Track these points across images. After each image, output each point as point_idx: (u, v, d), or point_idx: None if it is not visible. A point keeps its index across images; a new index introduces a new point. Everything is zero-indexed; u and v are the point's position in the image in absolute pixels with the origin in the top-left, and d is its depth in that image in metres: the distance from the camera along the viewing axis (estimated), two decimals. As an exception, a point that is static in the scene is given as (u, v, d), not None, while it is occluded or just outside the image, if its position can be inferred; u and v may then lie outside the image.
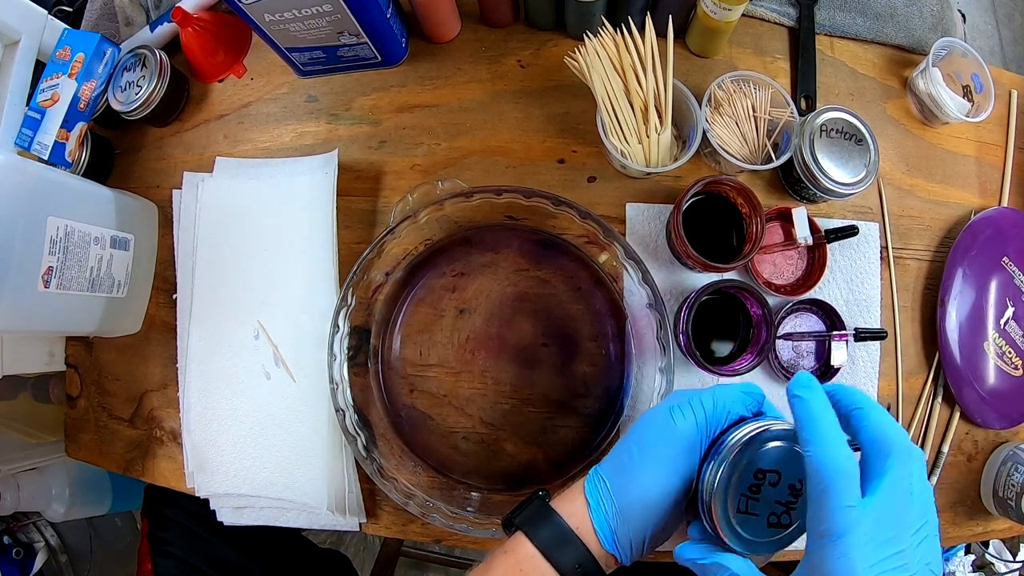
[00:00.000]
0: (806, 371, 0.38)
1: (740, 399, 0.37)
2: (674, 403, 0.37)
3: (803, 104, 0.60)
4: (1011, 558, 0.90)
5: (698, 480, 0.35)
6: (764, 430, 0.33)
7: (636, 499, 0.36)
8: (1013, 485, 0.55)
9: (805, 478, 0.31)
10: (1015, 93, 0.64)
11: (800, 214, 0.54)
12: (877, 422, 0.31)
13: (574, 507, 0.37)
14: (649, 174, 0.57)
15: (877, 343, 0.58)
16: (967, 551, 0.90)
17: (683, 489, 0.36)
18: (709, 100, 0.56)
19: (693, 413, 0.36)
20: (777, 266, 0.58)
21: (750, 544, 0.33)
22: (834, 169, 0.53)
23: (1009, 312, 0.59)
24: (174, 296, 0.62)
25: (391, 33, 0.57)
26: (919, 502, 0.30)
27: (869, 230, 0.58)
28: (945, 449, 0.58)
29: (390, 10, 0.56)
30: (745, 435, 0.34)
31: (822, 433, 0.30)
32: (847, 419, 0.32)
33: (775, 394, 0.56)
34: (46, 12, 0.62)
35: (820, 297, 0.57)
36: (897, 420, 0.57)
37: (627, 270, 0.52)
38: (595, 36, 0.52)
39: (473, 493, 0.55)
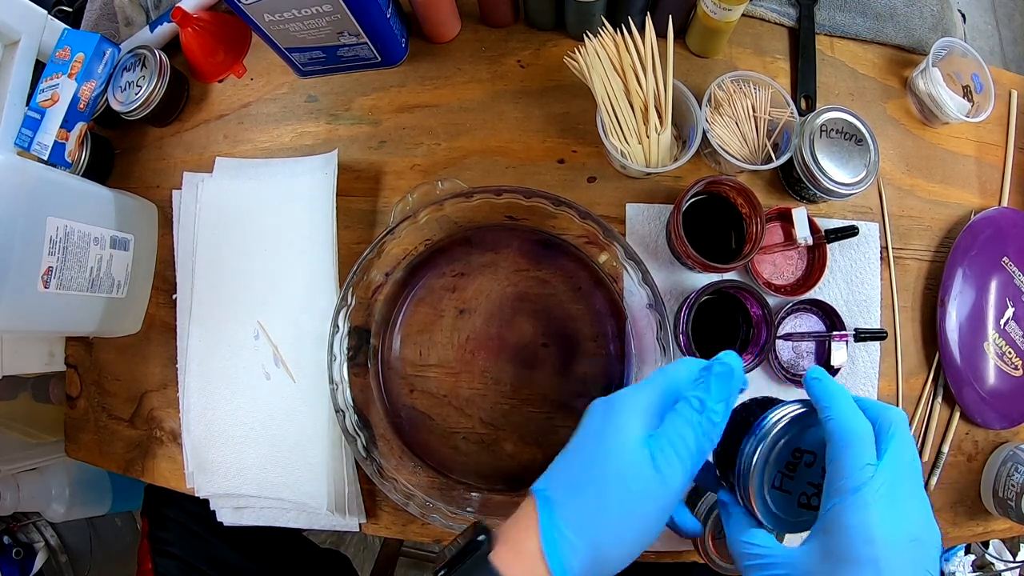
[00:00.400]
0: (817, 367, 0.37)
1: (704, 393, 0.34)
2: (655, 448, 0.32)
3: (803, 104, 0.60)
4: (1011, 558, 0.91)
5: (738, 454, 0.35)
6: (806, 412, 0.34)
7: (613, 559, 0.32)
8: (1013, 485, 0.55)
9: (826, 445, 0.32)
10: (1015, 93, 0.64)
11: (800, 214, 0.54)
12: (877, 403, 0.33)
13: (528, 568, 0.31)
14: (649, 174, 0.57)
15: (877, 343, 0.58)
16: (967, 551, 0.90)
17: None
18: (709, 100, 0.56)
19: (680, 461, 0.32)
20: (777, 266, 0.58)
21: (779, 520, 0.34)
22: (834, 169, 0.53)
23: (1009, 312, 0.59)
24: (174, 296, 0.62)
25: (391, 33, 0.57)
26: (918, 474, 0.32)
27: (869, 230, 0.58)
28: (945, 449, 0.58)
29: (390, 10, 0.56)
30: (788, 414, 0.34)
31: (839, 403, 0.32)
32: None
33: (777, 394, 0.56)
34: (46, 12, 0.62)
35: (820, 297, 0.57)
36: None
37: (627, 270, 0.52)
38: (595, 36, 0.52)
39: (473, 493, 0.55)
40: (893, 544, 0.29)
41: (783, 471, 0.34)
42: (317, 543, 0.79)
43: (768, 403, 0.37)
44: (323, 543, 1.11)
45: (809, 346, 0.58)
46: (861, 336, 0.56)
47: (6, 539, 0.84)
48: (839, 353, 0.55)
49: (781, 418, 0.34)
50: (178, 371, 0.61)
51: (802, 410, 0.34)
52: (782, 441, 0.34)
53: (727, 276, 0.56)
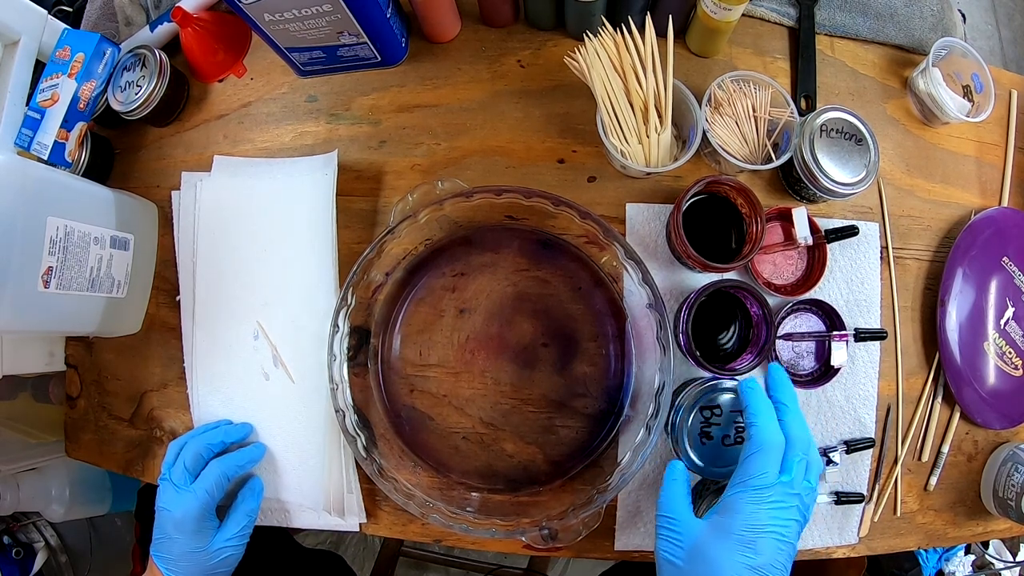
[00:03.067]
0: (753, 377, 0.46)
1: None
2: None
3: (803, 104, 0.60)
4: (1011, 558, 0.90)
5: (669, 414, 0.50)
6: (710, 387, 0.49)
7: None
8: (1013, 485, 0.55)
9: (745, 443, 0.42)
10: (1015, 93, 0.64)
11: (800, 214, 0.54)
12: (799, 425, 0.42)
13: None
14: (649, 174, 0.57)
15: (877, 343, 0.58)
16: (967, 551, 0.90)
17: None
18: (709, 100, 0.56)
19: None
20: (777, 266, 0.58)
21: (690, 448, 0.48)
22: (834, 169, 0.53)
23: (1009, 312, 0.59)
24: (177, 298, 0.62)
25: (391, 33, 0.57)
26: (801, 497, 0.39)
27: (869, 230, 0.58)
28: (945, 449, 0.58)
29: (390, 10, 0.56)
30: (699, 388, 0.49)
31: (764, 416, 0.41)
32: (775, 408, 0.43)
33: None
34: (46, 12, 0.62)
35: (820, 297, 0.57)
36: (897, 420, 0.58)
37: (627, 270, 0.52)
38: (595, 36, 0.52)
39: (473, 493, 0.55)
40: (769, 538, 0.37)
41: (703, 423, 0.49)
42: (317, 543, 0.79)
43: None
44: (324, 543, 1.11)
45: (809, 346, 0.58)
46: (861, 336, 0.56)
47: (6, 539, 0.84)
48: (839, 353, 0.55)
49: (694, 390, 0.49)
50: (186, 371, 0.61)
51: (709, 384, 0.49)
52: (696, 403, 0.49)
53: (727, 276, 0.56)
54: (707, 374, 0.53)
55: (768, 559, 0.37)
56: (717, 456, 0.48)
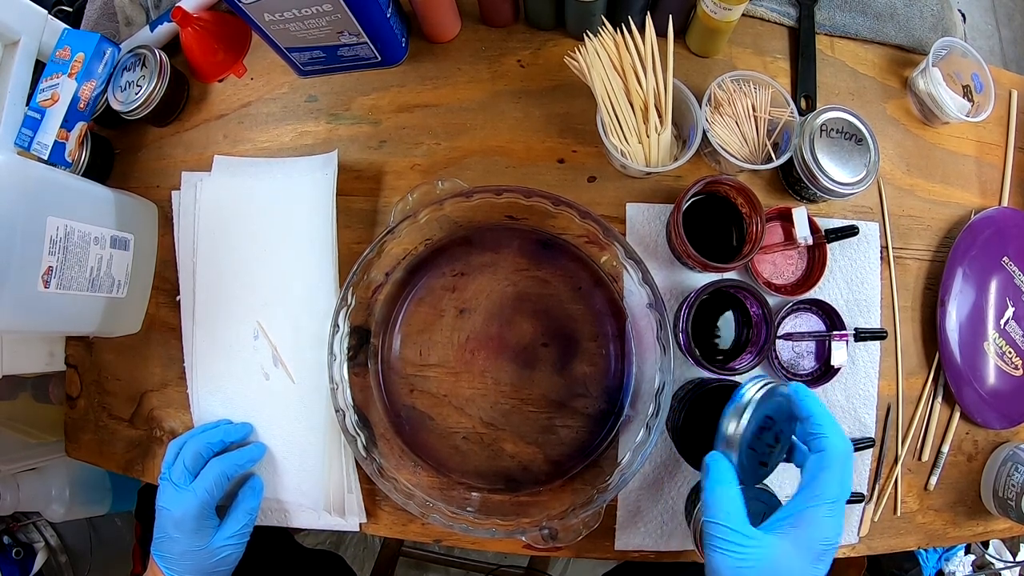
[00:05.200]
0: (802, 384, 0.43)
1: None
2: None
3: (803, 104, 0.60)
4: (1011, 558, 0.90)
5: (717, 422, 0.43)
6: (770, 388, 0.42)
7: None
8: (1013, 485, 0.55)
9: (815, 454, 0.39)
10: (1015, 93, 0.64)
11: (800, 214, 0.54)
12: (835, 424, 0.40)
13: None
14: (649, 174, 0.57)
15: (877, 343, 0.58)
16: (967, 551, 0.90)
17: None
18: (709, 100, 0.56)
19: None
20: (777, 266, 0.58)
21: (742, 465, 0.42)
22: (834, 169, 0.53)
23: (1009, 312, 0.59)
24: (177, 298, 0.62)
25: (391, 33, 0.57)
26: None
27: (869, 230, 0.58)
28: (945, 449, 0.58)
29: (390, 10, 0.56)
30: (759, 388, 0.42)
31: (832, 428, 0.40)
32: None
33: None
34: (46, 12, 0.62)
35: (820, 297, 0.57)
36: (897, 420, 0.58)
37: (627, 270, 0.52)
38: (595, 36, 0.52)
39: (473, 493, 0.55)
40: (832, 549, 0.37)
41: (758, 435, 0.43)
42: (317, 543, 0.79)
43: (717, 383, 0.49)
44: (323, 543, 1.11)
45: (809, 346, 0.58)
46: (861, 336, 0.56)
47: (6, 539, 0.84)
48: (839, 353, 0.55)
49: (755, 391, 0.42)
50: (186, 371, 0.61)
51: (769, 385, 0.42)
52: (758, 409, 0.42)
53: (727, 276, 0.56)
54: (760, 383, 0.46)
55: (825, 568, 0.38)
56: (758, 466, 0.44)
